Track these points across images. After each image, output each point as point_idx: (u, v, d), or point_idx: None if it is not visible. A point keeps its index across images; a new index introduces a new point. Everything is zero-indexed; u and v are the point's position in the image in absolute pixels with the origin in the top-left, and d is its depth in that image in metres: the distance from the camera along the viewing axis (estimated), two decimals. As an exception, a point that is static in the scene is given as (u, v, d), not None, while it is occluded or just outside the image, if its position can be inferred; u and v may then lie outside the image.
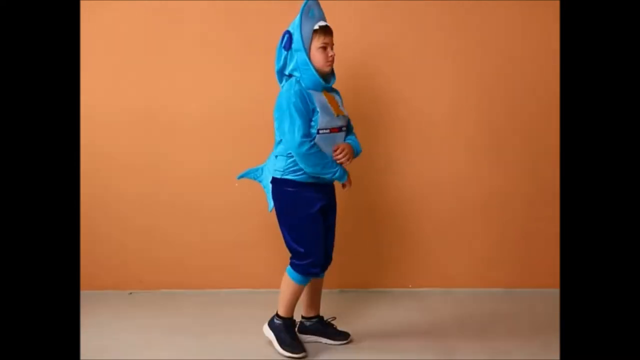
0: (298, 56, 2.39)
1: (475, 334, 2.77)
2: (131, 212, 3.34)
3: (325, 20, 2.45)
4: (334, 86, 2.56)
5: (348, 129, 2.57)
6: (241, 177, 2.70)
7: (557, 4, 2.11)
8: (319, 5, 2.46)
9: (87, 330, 2.77)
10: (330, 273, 2.65)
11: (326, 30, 2.42)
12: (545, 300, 3.16)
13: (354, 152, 2.51)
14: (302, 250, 2.45)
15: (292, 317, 2.60)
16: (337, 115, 2.46)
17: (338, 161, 2.43)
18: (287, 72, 2.47)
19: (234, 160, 3.13)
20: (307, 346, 2.61)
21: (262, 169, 2.66)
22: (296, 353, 2.52)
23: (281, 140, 2.44)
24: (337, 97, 2.53)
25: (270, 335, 2.58)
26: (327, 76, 2.48)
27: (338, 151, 2.43)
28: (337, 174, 2.44)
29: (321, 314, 2.74)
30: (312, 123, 2.37)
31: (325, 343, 2.66)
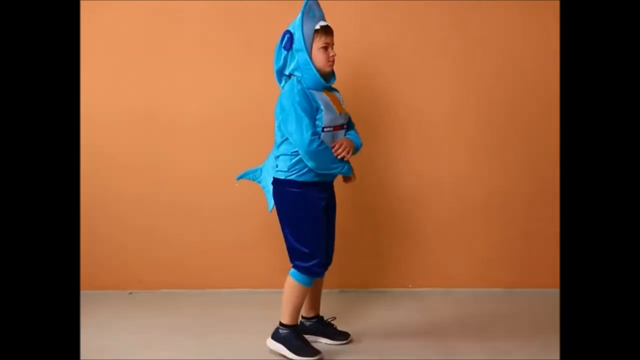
0: (299, 56, 2.38)
1: (475, 334, 2.77)
2: (131, 212, 3.34)
3: (325, 20, 2.45)
4: (333, 86, 2.55)
5: (349, 125, 2.57)
6: (240, 178, 2.69)
7: (557, 4, 2.11)
8: (318, 5, 2.46)
9: (87, 330, 2.77)
10: (330, 273, 2.65)
11: (327, 30, 2.42)
12: (545, 300, 3.16)
13: (355, 146, 2.49)
14: (306, 251, 2.44)
15: (298, 323, 2.57)
16: (340, 113, 2.46)
17: (338, 156, 2.42)
18: (287, 72, 2.46)
19: (234, 160, 3.13)
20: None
21: (260, 170, 2.66)
22: (314, 355, 2.49)
23: (283, 141, 2.43)
24: (337, 95, 2.53)
25: (279, 347, 2.50)
26: (328, 76, 2.47)
27: (337, 146, 2.42)
28: (345, 168, 2.44)
29: (321, 314, 2.74)
30: (317, 122, 2.37)
31: (325, 343, 2.66)
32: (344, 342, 2.67)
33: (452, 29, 3.24)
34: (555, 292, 2.86)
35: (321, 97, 2.40)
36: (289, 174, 2.43)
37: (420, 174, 3.32)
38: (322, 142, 2.35)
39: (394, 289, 3.38)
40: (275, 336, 2.53)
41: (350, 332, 2.72)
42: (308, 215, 2.44)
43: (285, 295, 2.50)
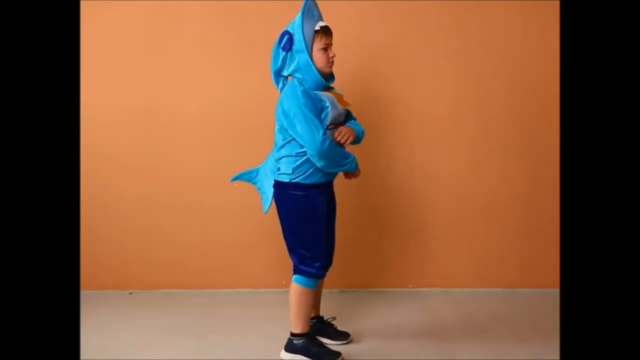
0: (300, 57, 2.35)
1: (475, 334, 2.77)
2: (131, 212, 3.34)
3: (323, 20, 2.43)
4: (331, 86, 2.55)
5: (347, 118, 2.54)
6: (234, 179, 2.64)
7: (557, 4, 2.12)
8: (316, 5, 2.44)
9: (87, 330, 2.77)
10: (330, 273, 2.64)
11: (327, 31, 2.40)
12: (545, 300, 3.16)
13: (356, 133, 2.46)
14: (309, 254, 2.41)
15: (310, 330, 2.52)
16: (343, 109, 2.46)
17: (340, 142, 2.39)
18: (286, 74, 2.44)
19: (234, 160, 3.13)
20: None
21: (257, 171, 2.62)
22: (337, 358, 2.47)
23: (285, 143, 2.39)
24: (337, 91, 2.51)
25: (299, 359, 2.46)
26: (327, 77, 2.46)
27: (336, 134, 2.40)
28: (354, 162, 2.42)
29: (321, 314, 2.74)
30: (323, 121, 2.36)
31: (325, 343, 2.66)
32: (344, 342, 2.67)
33: (452, 29, 3.24)
34: (556, 292, 2.87)
35: (325, 95, 2.38)
36: (294, 176, 2.39)
37: (420, 174, 3.32)
38: (330, 140, 2.33)
39: (394, 289, 3.38)
40: (291, 348, 2.47)
41: (350, 332, 2.72)
42: (310, 218, 2.41)
43: (293, 303, 2.46)
